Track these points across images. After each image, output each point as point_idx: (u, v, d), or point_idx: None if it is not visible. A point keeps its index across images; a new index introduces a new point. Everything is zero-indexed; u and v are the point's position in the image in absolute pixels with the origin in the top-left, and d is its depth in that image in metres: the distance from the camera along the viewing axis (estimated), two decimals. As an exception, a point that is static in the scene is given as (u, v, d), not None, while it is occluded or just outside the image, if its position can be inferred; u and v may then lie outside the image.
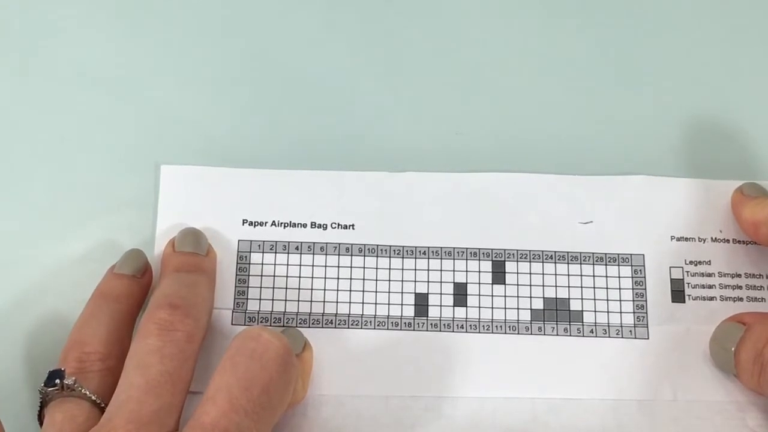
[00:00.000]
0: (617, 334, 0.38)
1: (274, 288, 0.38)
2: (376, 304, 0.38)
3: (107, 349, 0.34)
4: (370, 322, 0.38)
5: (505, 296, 0.38)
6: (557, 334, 0.38)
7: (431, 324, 0.38)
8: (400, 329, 0.38)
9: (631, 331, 0.38)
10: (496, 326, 0.38)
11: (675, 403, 0.36)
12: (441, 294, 0.38)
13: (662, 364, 0.37)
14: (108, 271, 0.37)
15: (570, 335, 0.38)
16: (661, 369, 0.37)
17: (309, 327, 0.37)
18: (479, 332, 0.38)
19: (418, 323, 0.38)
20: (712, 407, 0.36)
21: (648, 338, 0.38)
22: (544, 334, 0.38)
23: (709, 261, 0.39)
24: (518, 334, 0.38)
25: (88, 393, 0.32)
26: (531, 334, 0.38)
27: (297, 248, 0.38)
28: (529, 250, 0.39)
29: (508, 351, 0.37)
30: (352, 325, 0.38)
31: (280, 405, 0.33)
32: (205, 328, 0.35)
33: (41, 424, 0.33)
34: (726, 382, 0.37)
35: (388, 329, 0.38)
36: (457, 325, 0.38)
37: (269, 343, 0.32)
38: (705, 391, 0.37)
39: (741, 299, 0.38)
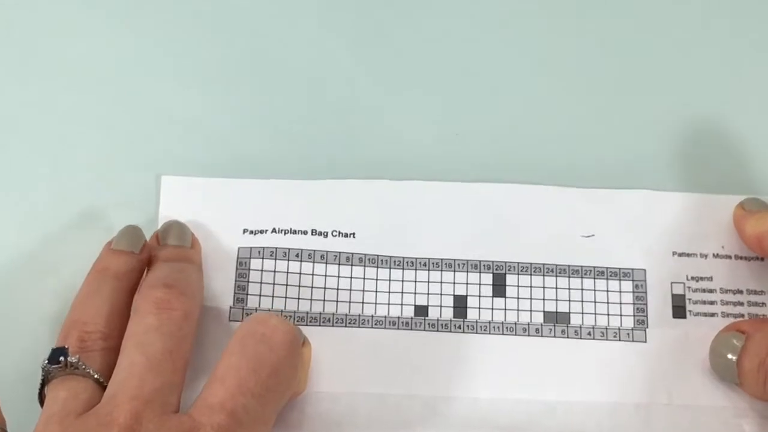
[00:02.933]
0: (615, 337, 0.37)
1: (273, 296, 0.38)
2: (375, 306, 0.38)
3: (108, 328, 0.34)
4: (368, 321, 0.37)
5: (505, 309, 0.38)
6: (555, 336, 0.37)
7: (429, 324, 0.37)
8: (398, 328, 0.37)
9: (628, 334, 0.37)
10: (494, 327, 0.37)
11: (670, 407, 0.36)
12: (441, 306, 0.38)
13: (659, 368, 0.37)
14: (105, 247, 0.37)
15: (567, 337, 0.37)
16: (657, 373, 0.37)
17: (307, 325, 0.37)
18: (477, 333, 0.37)
19: (416, 323, 0.37)
20: (708, 412, 0.36)
21: (645, 341, 0.37)
22: (542, 336, 0.37)
23: (711, 277, 0.38)
24: (515, 335, 0.37)
25: (91, 371, 0.32)
26: (528, 335, 0.37)
27: (297, 255, 0.38)
28: (530, 263, 0.38)
29: (505, 352, 0.37)
30: (350, 323, 0.37)
31: (287, 389, 0.33)
32: (200, 308, 0.35)
33: (41, 402, 0.33)
34: (723, 388, 0.36)
35: (386, 328, 0.37)
36: (455, 326, 0.37)
37: (277, 328, 0.33)
38: (701, 395, 0.36)
39: (743, 315, 0.38)
